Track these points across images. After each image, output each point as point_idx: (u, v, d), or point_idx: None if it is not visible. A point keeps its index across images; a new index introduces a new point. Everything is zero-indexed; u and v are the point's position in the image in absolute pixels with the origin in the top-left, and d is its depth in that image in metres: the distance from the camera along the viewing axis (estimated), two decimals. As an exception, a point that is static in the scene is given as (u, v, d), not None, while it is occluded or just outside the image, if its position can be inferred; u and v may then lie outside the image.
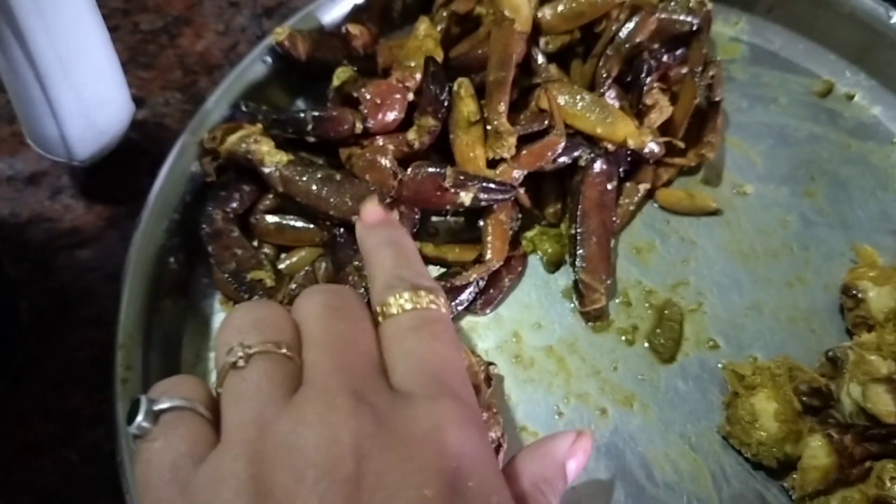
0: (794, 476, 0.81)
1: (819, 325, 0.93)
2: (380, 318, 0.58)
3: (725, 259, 0.97)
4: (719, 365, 0.91)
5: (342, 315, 0.57)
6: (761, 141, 1.04)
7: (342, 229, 0.91)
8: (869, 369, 0.83)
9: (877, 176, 1.01)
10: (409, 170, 0.89)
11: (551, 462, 0.66)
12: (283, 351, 0.52)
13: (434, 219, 0.97)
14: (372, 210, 0.68)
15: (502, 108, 0.89)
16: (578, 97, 0.93)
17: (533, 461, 0.66)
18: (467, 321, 0.94)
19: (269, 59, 1.01)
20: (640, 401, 0.90)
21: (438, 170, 0.88)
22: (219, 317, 0.94)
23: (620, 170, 0.97)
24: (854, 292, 0.90)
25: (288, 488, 0.46)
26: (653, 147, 0.94)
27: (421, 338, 0.56)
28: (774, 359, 0.88)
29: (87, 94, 0.90)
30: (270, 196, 0.94)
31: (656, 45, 0.95)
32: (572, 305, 0.95)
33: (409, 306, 0.57)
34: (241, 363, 0.51)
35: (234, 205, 0.93)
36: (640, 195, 0.98)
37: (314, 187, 0.90)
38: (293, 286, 0.89)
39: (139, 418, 0.49)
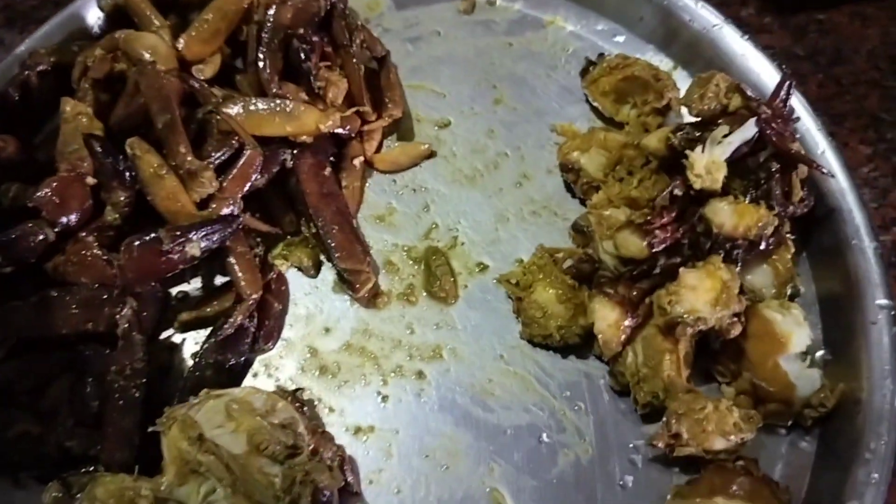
0: (598, 342, 0.87)
1: (557, 206, 1.00)
2: None
3: (457, 189, 1.01)
4: (494, 281, 0.95)
5: None
6: (439, 73, 1.09)
7: (86, 343, 0.84)
8: (611, 222, 0.90)
9: (544, 60, 1.10)
10: (122, 251, 0.83)
11: None
12: None
13: (175, 289, 0.93)
14: None
15: (183, 148, 0.86)
16: (253, 106, 0.91)
17: None
18: (259, 361, 0.91)
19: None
20: (447, 347, 0.92)
21: (150, 236, 0.84)
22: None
23: (329, 156, 0.98)
24: (570, 166, 0.98)
25: None
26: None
27: None
28: (534, 253, 0.94)
29: None
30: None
31: (302, 30, 0.95)
32: (348, 297, 0.95)
33: None
34: None
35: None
36: (358, 169, 0.99)
37: (33, 315, 0.82)
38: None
39: None
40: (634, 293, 0.87)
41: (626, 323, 0.85)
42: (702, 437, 0.80)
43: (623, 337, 0.86)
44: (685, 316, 0.81)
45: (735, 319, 0.83)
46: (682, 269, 0.83)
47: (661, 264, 0.86)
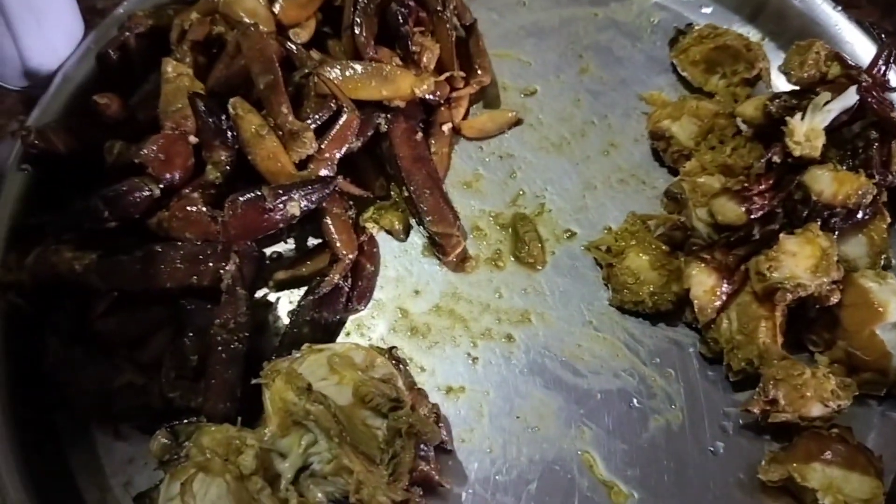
0: (693, 308, 0.87)
1: (646, 174, 1.00)
2: None
3: (544, 157, 1.02)
4: (582, 248, 0.96)
5: None
6: (525, 42, 1.09)
7: (188, 298, 0.86)
8: (705, 189, 0.91)
9: (629, 31, 1.10)
10: (226, 208, 0.85)
11: None
12: None
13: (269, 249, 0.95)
14: None
15: (285, 108, 0.87)
16: (350, 70, 0.92)
17: None
18: (352, 321, 0.92)
19: (27, 167, 0.92)
20: (535, 312, 0.93)
21: (254, 194, 0.85)
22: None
23: (419, 121, 0.99)
24: (661, 134, 0.98)
25: None
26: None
27: None
28: (626, 220, 0.94)
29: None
30: (100, 299, 0.86)
31: (398, -6, 0.96)
32: (437, 260, 0.96)
33: None
34: None
35: (67, 326, 0.85)
36: (447, 135, 1.00)
37: (138, 269, 0.84)
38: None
39: None
40: (731, 259, 0.87)
41: (723, 289, 0.86)
42: (799, 403, 0.80)
43: (718, 303, 0.86)
44: (785, 282, 0.81)
45: (834, 287, 0.83)
46: (781, 235, 0.83)
47: (758, 231, 0.85)
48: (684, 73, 1.04)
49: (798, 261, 0.81)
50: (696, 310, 0.86)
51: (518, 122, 1.03)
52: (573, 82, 1.06)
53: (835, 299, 0.83)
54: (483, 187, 1.00)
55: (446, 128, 1.00)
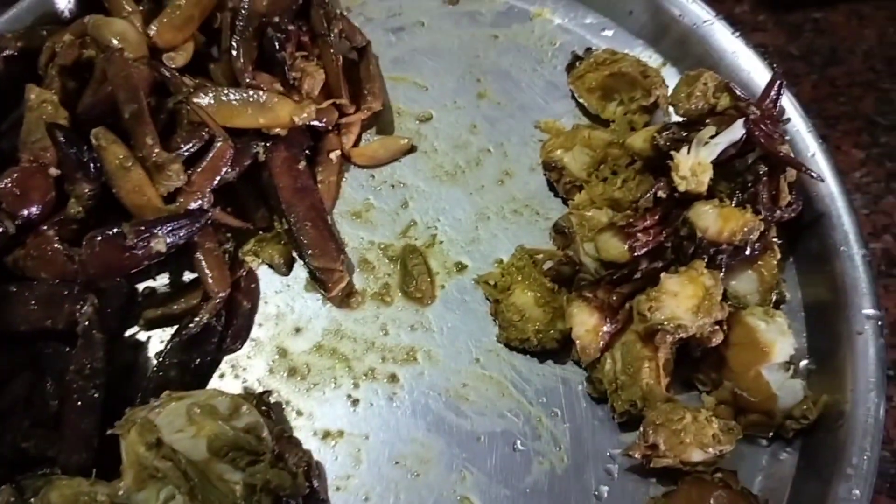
0: (575, 347, 0.84)
1: (540, 205, 0.97)
2: None
3: (437, 186, 0.98)
4: (472, 282, 0.92)
5: None
6: (422, 66, 1.05)
7: (46, 341, 0.81)
8: (593, 224, 0.88)
9: (530, 54, 1.07)
10: (83, 246, 0.80)
11: None
12: None
13: (142, 285, 0.90)
14: None
15: (150, 139, 0.83)
16: (225, 96, 0.88)
17: None
18: (226, 362, 0.88)
19: None
20: (422, 350, 0.89)
21: (114, 231, 0.81)
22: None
23: (305, 149, 0.95)
24: (553, 164, 0.95)
25: None
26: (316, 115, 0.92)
27: None
28: (514, 254, 0.91)
29: None
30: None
31: (277, 18, 0.92)
32: (320, 296, 0.92)
33: None
34: None
35: None
36: (335, 163, 0.96)
37: (-9, 311, 0.79)
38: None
39: None
40: (614, 298, 0.84)
41: (605, 328, 0.83)
42: (679, 449, 0.78)
43: (601, 343, 0.83)
44: (665, 323, 0.78)
45: (717, 327, 0.80)
46: (663, 275, 0.80)
47: (643, 268, 0.83)
48: (581, 100, 1.01)
49: (679, 301, 0.79)
50: (578, 349, 0.83)
51: (412, 150, 1.00)
52: (470, 108, 1.03)
53: (717, 340, 0.80)
54: (373, 217, 0.97)
55: (334, 155, 0.96)
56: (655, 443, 0.78)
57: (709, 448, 0.77)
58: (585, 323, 0.83)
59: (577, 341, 0.83)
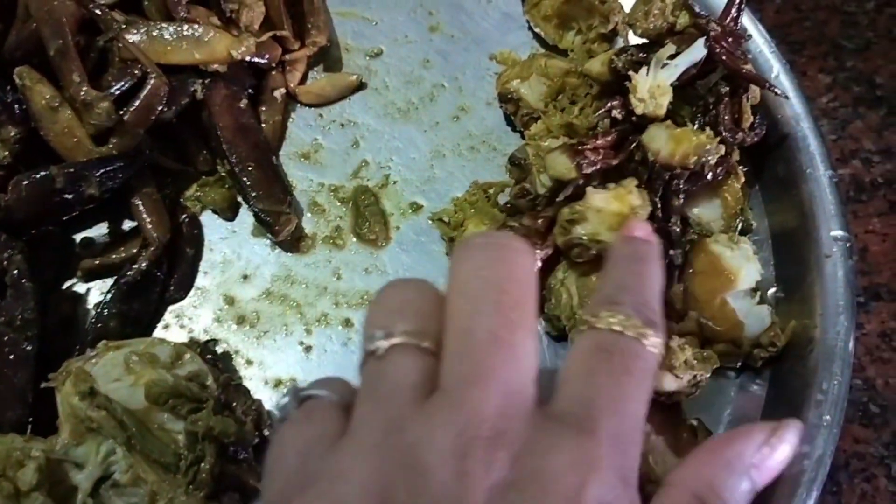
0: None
1: (497, 140, 0.93)
2: (581, 326, 0.52)
3: (389, 124, 0.94)
4: (429, 222, 0.89)
5: (501, 308, 0.47)
6: (369, 0, 1.00)
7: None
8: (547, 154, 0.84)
9: (484, -15, 1.02)
10: (9, 190, 0.75)
11: (722, 470, 0.53)
12: (426, 345, 0.48)
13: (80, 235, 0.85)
14: (640, 225, 0.63)
15: (77, 77, 0.78)
16: (157, 31, 0.83)
17: (701, 470, 0.54)
18: (171, 312, 0.84)
19: None
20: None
21: (42, 174, 0.76)
22: None
23: (247, 87, 0.90)
24: (509, 96, 0.91)
25: None
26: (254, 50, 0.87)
27: (611, 366, 0.49)
28: (468, 189, 0.87)
29: None
30: None
31: (212, -53, 0.87)
32: (268, 241, 0.88)
33: (617, 328, 0.50)
34: (380, 352, 0.47)
35: None
36: (279, 102, 0.91)
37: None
38: None
39: (285, 400, 0.52)
40: (539, 222, 0.80)
41: (537, 254, 0.79)
42: (645, 380, 0.75)
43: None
44: (584, 238, 0.74)
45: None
46: (589, 189, 0.76)
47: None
48: (538, 30, 0.96)
49: (603, 217, 0.74)
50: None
51: (361, 87, 0.95)
52: (422, 42, 0.98)
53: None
54: (322, 158, 0.92)
55: (279, 93, 0.91)
56: (619, 374, 0.75)
57: (681, 374, 0.74)
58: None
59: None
